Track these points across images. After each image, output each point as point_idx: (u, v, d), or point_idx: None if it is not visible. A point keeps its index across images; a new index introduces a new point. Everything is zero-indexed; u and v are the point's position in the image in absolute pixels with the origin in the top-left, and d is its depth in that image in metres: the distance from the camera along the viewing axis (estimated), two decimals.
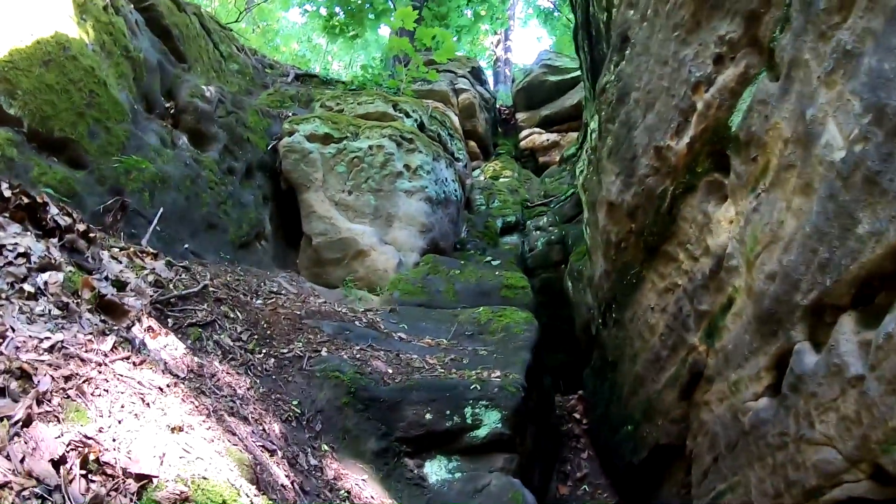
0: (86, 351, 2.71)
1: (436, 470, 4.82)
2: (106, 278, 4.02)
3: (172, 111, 8.35)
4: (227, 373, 3.92)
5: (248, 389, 3.95)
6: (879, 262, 2.59)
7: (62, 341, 2.68)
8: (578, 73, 12.68)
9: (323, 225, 8.83)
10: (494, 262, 9.94)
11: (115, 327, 3.22)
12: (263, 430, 3.53)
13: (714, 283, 4.13)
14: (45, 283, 3.19)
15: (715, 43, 4.05)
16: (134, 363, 2.82)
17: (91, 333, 2.95)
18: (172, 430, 2.42)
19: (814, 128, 2.98)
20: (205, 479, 2.20)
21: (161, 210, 6.66)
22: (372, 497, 4.02)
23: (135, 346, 3.06)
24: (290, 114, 10.56)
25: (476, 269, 8.16)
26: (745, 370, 3.70)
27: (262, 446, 3.18)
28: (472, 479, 4.80)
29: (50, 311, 2.97)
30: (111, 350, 2.86)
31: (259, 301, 5.97)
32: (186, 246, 6.99)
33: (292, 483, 3.18)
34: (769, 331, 3.38)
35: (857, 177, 2.66)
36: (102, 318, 3.29)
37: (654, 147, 4.82)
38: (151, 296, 4.36)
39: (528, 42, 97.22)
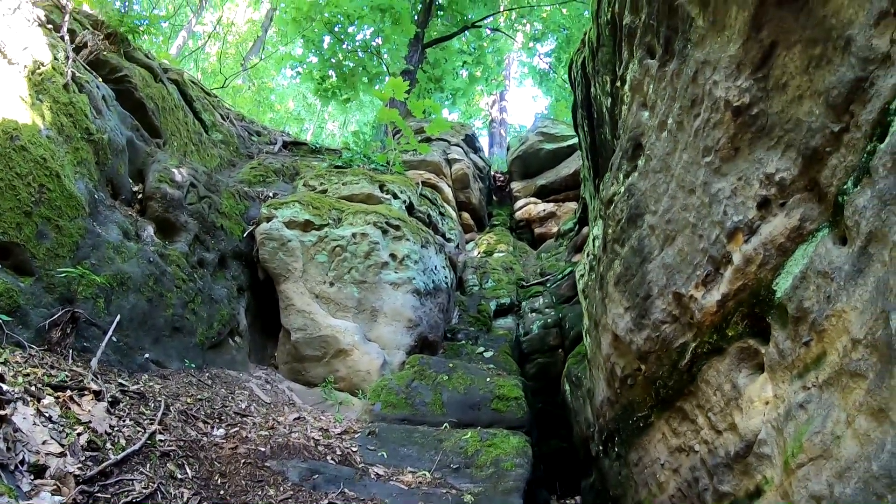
0: None
1: None
2: (21, 463, 3.37)
3: (140, 196, 7.78)
4: None
5: None
6: None
7: None
8: (575, 140, 12.26)
9: (302, 320, 8.19)
10: (487, 354, 9.33)
11: None
12: None
13: (740, 466, 3.41)
14: None
15: (760, 181, 3.27)
16: None
17: None
18: None
19: None
20: None
21: (118, 318, 6.01)
22: None
23: None
24: (271, 194, 10.02)
25: (466, 374, 7.49)
26: None
27: None
28: None
29: None
30: None
31: (220, 431, 5.31)
32: (147, 355, 6.34)
33: None
34: None
35: None
36: None
37: (673, 292, 4.10)
38: (77, 476, 3.69)
39: (524, 101, 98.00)
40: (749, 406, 3.35)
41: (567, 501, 9.05)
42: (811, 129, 2.89)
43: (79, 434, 4.03)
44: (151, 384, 5.72)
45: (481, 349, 9.51)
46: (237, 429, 5.51)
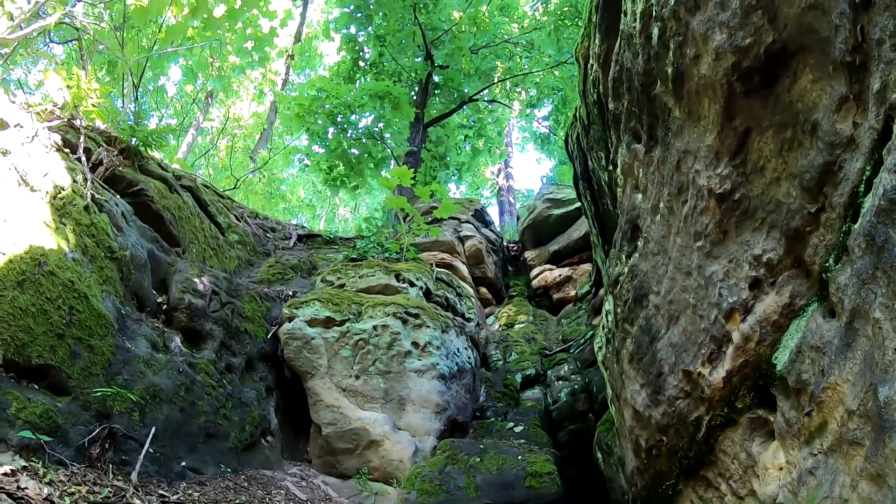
0: None
1: None
2: None
3: (165, 306, 8.02)
4: None
5: None
6: None
7: None
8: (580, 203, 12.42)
9: (332, 414, 8.32)
10: (517, 429, 9.38)
11: None
12: None
13: None
14: None
15: (749, 263, 3.45)
16: None
17: None
18: None
19: (891, 415, 2.34)
20: None
21: (153, 430, 6.18)
22: None
23: None
24: (290, 293, 10.22)
25: (497, 454, 7.56)
26: None
27: None
28: None
29: None
30: None
31: None
32: (183, 463, 6.50)
33: None
34: None
35: None
36: None
37: (682, 370, 4.25)
38: None
39: (529, 165, 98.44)
40: (764, 473, 3.47)
41: None
42: (790, 210, 3.06)
43: None
44: (190, 492, 5.86)
45: (511, 424, 9.56)
46: None
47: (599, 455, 8.50)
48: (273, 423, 8.46)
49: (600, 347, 6.94)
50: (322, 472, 8.30)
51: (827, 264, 2.85)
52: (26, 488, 3.91)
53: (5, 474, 4.02)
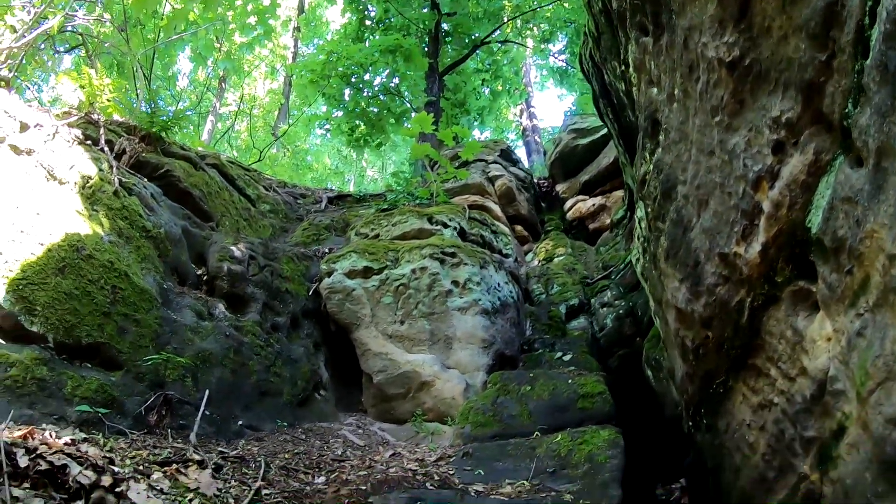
0: None
1: None
2: None
3: (205, 277, 8.14)
4: None
5: None
6: None
7: None
8: (606, 129, 12.25)
9: (381, 361, 8.41)
10: (566, 358, 9.37)
11: None
12: None
13: (819, 408, 3.42)
14: None
15: (770, 127, 3.34)
16: None
17: None
18: None
19: None
20: None
21: (207, 393, 6.31)
22: None
23: None
24: (326, 250, 10.29)
25: (547, 381, 7.57)
26: None
27: None
28: None
29: None
30: None
31: (321, 479, 5.51)
32: (241, 422, 6.64)
33: None
34: None
35: None
36: None
37: (718, 254, 4.17)
38: None
39: (551, 102, 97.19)
40: (812, 346, 3.39)
41: (672, 486, 9.06)
42: (802, 64, 2.98)
43: (190, 500, 4.28)
44: (249, 447, 5.98)
45: (559, 354, 9.56)
46: (336, 474, 5.71)
47: (649, 372, 8.50)
48: (324, 376, 8.59)
49: (637, 259, 6.89)
50: (378, 419, 8.41)
51: (846, 111, 2.75)
52: (87, 452, 4.01)
53: (66, 444, 4.11)
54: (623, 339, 10.68)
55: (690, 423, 6.13)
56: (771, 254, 3.64)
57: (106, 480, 3.76)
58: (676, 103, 4.43)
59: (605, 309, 11.45)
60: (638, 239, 6.63)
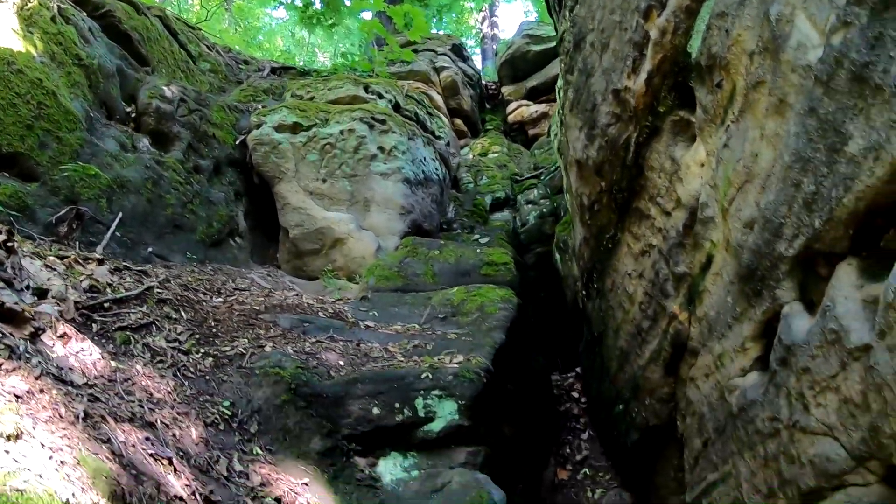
0: None
1: (390, 469, 4.36)
2: (26, 287, 3.73)
3: (133, 115, 8.09)
4: (148, 376, 3.59)
5: (170, 393, 3.61)
6: (881, 188, 1.99)
7: None
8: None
9: (298, 216, 8.52)
10: (483, 241, 9.59)
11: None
12: (174, 435, 3.20)
13: (690, 240, 3.66)
14: None
15: None
16: (7, 370, 2.54)
17: None
18: (7, 438, 2.13)
19: (781, 28, 2.45)
20: (20, 491, 1.91)
21: (120, 215, 6.37)
22: (309, 502, 3.65)
23: (16, 353, 2.76)
24: (260, 107, 10.23)
25: (457, 248, 7.80)
26: (729, 340, 3.22)
27: (154, 454, 2.85)
28: (430, 478, 4.36)
29: None
30: None
31: (219, 299, 5.66)
32: (150, 249, 6.71)
33: (194, 493, 2.85)
34: (753, 291, 2.88)
35: (841, 77, 2.09)
36: None
37: (612, 91, 4.34)
38: (78, 301, 4.07)
39: (516, 17, 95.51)
40: (687, 173, 3.62)
41: (567, 375, 9.47)
42: None
43: (81, 280, 4.40)
44: (155, 269, 6.07)
45: (477, 236, 9.77)
46: (235, 297, 5.86)
47: (557, 255, 8.78)
48: (241, 225, 8.66)
49: (555, 134, 7.07)
50: (290, 274, 8.55)
51: None
52: None
53: None
54: (543, 237, 10.91)
55: (584, 293, 6.42)
56: (655, 82, 3.82)
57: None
58: None
59: (529, 206, 11.65)
60: (558, 113, 6.80)
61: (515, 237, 10.88)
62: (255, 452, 3.79)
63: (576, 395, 8.88)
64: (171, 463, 2.89)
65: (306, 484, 3.81)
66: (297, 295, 6.64)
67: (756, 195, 2.76)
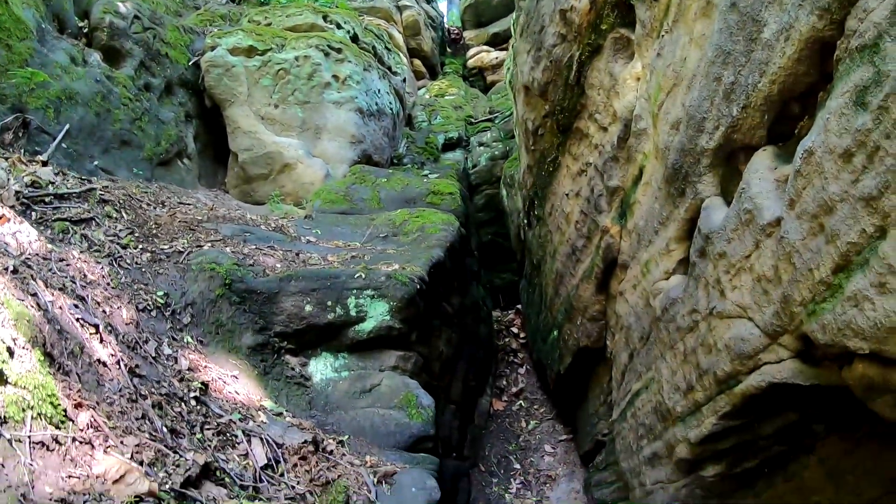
0: None
1: (321, 368, 4.52)
2: None
3: (86, 30, 8.00)
4: (83, 261, 3.65)
5: (104, 277, 3.68)
6: (792, 69, 2.12)
7: None
8: None
9: (248, 140, 8.51)
10: (432, 176, 9.67)
11: None
12: (104, 311, 3.28)
13: (624, 153, 3.81)
14: None
15: None
16: None
17: None
18: None
19: None
20: None
21: (67, 127, 6.35)
22: (237, 392, 3.76)
23: None
24: (216, 30, 10.12)
25: (404, 177, 7.89)
26: (654, 246, 3.38)
27: (81, 319, 2.94)
28: (360, 379, 4.52)
29: None
30: None
31: (163, 210, 5.69)
32: (96, 163, 6.69)
33: (119, 362, 2.95)
34: (677, 191, 3.01)
35: None
36: None
37: (559, 11, 4.43)
38: (20, 191, 4.11)
39: None
40: (624, 86, 3.77)
41: (508, 311, 9.69)
42: None
43: (23, 176, 4.42)
44: (100, 180, 6.08)
45: (427, 172, 9.84)
46: (178, 209, 5.90)
47: (504, 191, 8.91)
48: (190, 146, 8.62)
49: (509, 68, 7.14)
50: (238, 199, 8.56)
51: None
52: None
53: None
54: (493, 179, 11.03)
55: (526, 223, 6.55)
56: (599, 1, 3.92)
57: None
58: None
59: (481, 148, 11.73)
60: (512, 46, 6.87)
61: (466, 177, 10.95)
62: (185, 341, 3.88)
63: (515, 330, 9.10)
64: (97, 331, 2.98)
65: (236, 377, 3.93)
66: (241, 211, 6.70)
67: (682, 96, 2.88)
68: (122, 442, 2.49)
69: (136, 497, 2.24)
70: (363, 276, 4.75)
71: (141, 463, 2.47)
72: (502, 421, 7.62)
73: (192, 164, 8.58)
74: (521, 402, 7.93)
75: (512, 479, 6.94)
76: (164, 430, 2.82)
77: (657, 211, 3.30)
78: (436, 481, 3.90)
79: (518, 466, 7.08)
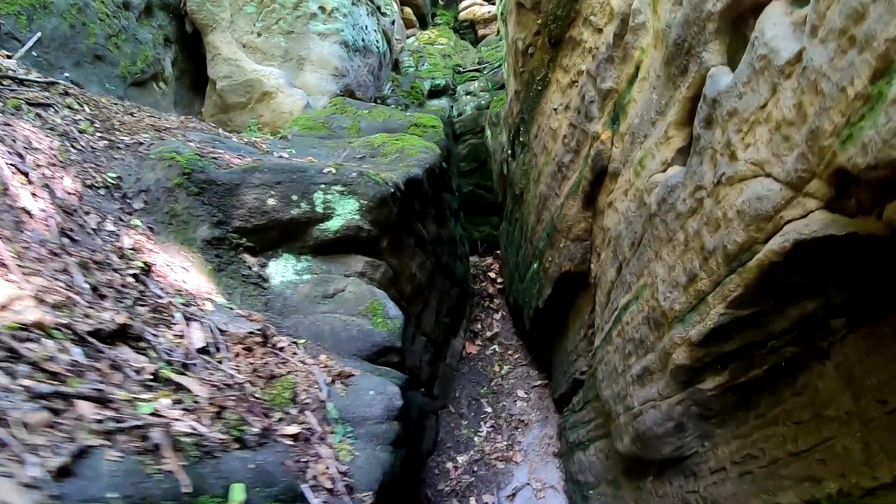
0: None
1: (281, 270, 4.27)
2: None
3: None
4: (32, 132, 3.43)
5: (52, 149, 3.43)
6: None
7: None
8: None
9: (228, 67, 8.27)
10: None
11: None
12: (43, 174, 3.04)
13: (619, 52, 3.59)
14: None
15: None
16: None
17: None
18: None
19: None
20: None
21: (38, 34, 6.11)
22: (184, 281, 3.53)
23: None
24: None
25: (386, 109, 7.67)
26: (651, 139, 3.18)
27: (12, 164, 2.73)
28: (323, 283, 4.28)
29: None
30: None
31: (131, 118, 5.47)
32: (67, 74, 6.45)
33: (48, 219, 2.73)
34: (679, 69, 2.80)
35: None
36: None
37: None
38: None
39: None
40: None
41: (486, 257, 9.60)
42: None
43: None
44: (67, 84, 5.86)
45: (411, 114, 9.69)
46: (146, 118, 5.68)
47: (489, 132, 8.75)
48: (168, 71, 8.37)
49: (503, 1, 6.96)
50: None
51: None
52: None
53: None
54: (477, 129, 10.90)
55: (510, 153, 6.39)
56: None
57: None
58: None
59: (468, 97, 11.57)
60: None
61: (451, 126, 10.81)
62: (134, 224, 3.66)
63: (492, 275, 8.99)
64: (29, 182, 2.77)
65: (186, 269, 3.69)
66: (214, 128, 6.49)
67: None
68: (27, 280, 2.29)
69: (19, 325, 2.05)
70: (333, 170, 4.50)
71: (41, 302, 2.25)
72: (475, 364, 7.52)
73: (168, 89, 8.33)
74: (495, 346, 7.82)
75: (482, 423, 6.84)
76: (87, 286, 2.60)
77: (654, 101, 3.10)
78: (399, 390, 3.70)
79: (489, 410, 6.99)
